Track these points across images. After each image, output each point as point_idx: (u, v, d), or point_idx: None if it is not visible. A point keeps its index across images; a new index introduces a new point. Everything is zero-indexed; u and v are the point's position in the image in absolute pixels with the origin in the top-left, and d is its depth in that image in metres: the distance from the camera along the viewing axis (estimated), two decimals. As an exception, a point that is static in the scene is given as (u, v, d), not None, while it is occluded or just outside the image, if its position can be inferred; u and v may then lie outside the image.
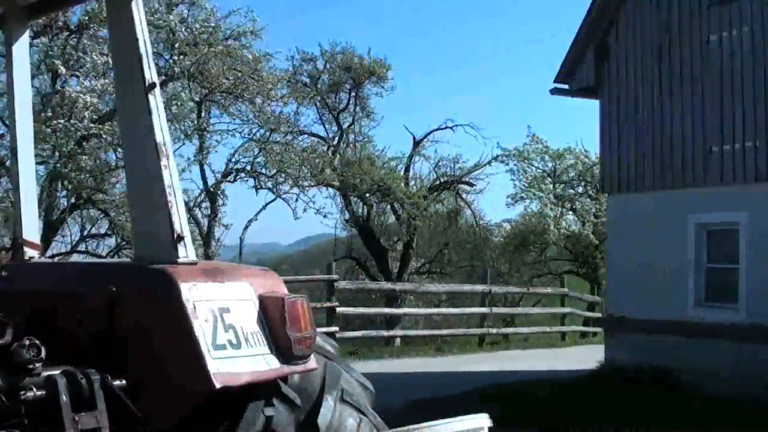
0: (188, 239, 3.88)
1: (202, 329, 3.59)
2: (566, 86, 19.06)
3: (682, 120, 16.51)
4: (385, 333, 25.54)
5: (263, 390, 3.79)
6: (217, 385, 3.52)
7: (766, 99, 14.85)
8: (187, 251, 3.85)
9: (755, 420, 12.19)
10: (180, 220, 3.86)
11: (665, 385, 15.44)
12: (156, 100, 3.93)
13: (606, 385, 15.87)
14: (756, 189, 15.13)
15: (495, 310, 26.99)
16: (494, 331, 26.55)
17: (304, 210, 28.90)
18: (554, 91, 19.26)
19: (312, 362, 3.98)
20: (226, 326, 3.69)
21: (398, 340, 26.18)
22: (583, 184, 38.30)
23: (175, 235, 3.83)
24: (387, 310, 28.75)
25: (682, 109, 16.53)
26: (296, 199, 28.60)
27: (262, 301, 3.90)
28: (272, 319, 3.87)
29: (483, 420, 3.54)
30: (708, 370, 15.22)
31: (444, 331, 27.13)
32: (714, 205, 15.94)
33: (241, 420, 3.71)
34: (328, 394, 4.08)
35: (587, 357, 18.91)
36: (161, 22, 23.10)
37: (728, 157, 15.58)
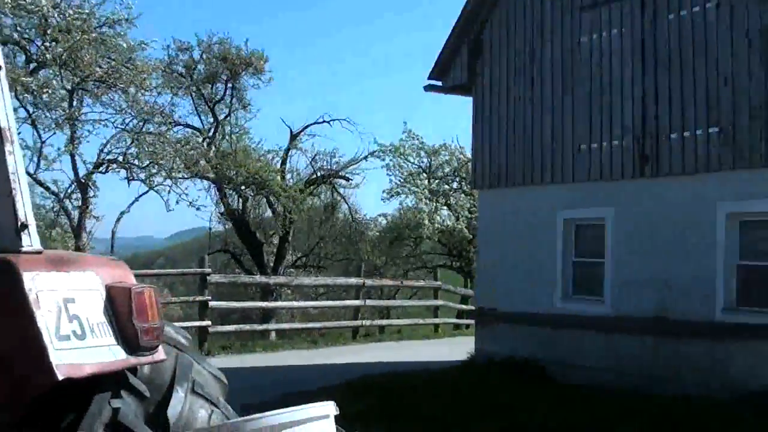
0: (33, 227, 3.78)
1: (44, 320, 3.50)
2: (440, 83, 19.23)
3: (552, 118, 16.84)
4: (258, 327, 25.38)
5: (110, 381, 3.72)
6: (60, 377, 3.44)
7: (633, 99, 15.26)
8: (31, 240, 3.75)
9: (612, 405, 12.66)
10: (24, 208, 3.76)
11: (534, 375, 15.75)
12: (1, 84, 3.81)
13: (475, 375, 16.11)
14: (622, 186, 15.54)
15: (369, 302, 27.09)
16: (368, 323, 26.62)
17: (177, 202, 28.33)
18: (428, 88, 19.37)
19: (160, 353, 3.93)
20: (71, 316, 3.60)
21: (273, 334, 26.06)
22: (458, 179, 38.86)
23: (19, 223, 3.73)
24: (261, 303, 28.59)
25: (552, 108, 16.85)
26: (169, 191, 28.07)
27: (109, 291, 3.83)
28: (119, 309, 3.80)
29: (328, 408, 3.56)
30: (575, 361, 15.65)
31: (317, 324, 27.11)
32: (582, 202, 16.33)
33: (86, 412, 3.64)
34: (179, 386, 4.04)
35: (459, 349, 19.16)
36: (33, 6, 22.40)
37: (596, 154, 15.94)
